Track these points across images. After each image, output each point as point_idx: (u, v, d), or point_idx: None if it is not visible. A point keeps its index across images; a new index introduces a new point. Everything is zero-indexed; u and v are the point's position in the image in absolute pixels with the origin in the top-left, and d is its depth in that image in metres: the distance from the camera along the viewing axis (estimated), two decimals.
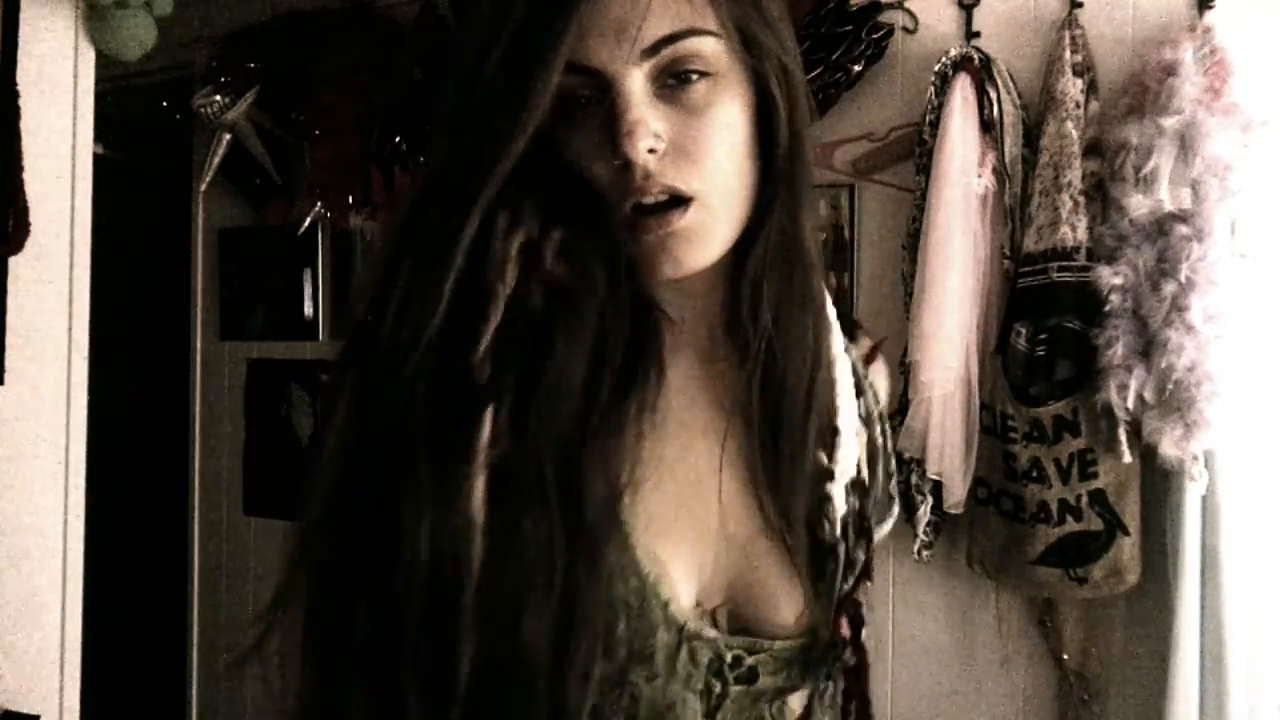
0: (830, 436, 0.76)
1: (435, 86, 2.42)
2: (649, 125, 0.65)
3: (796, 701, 0.76)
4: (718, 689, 0.72)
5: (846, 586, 0.76)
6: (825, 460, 0.76)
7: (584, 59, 0.64)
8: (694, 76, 0.67)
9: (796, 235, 0.72)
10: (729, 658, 0.73)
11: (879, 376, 0.89)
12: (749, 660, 0.73)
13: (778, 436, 0.74)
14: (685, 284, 0.70)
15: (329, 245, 2.91)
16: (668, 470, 0.71)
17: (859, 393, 0.82)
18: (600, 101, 0.65)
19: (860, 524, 0.78)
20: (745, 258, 0.72)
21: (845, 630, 0.75)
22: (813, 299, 0.75)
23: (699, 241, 0.68)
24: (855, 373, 0.82)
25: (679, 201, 0.66)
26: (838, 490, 0.76)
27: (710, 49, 0.67)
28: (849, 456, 0.77)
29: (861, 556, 0.77)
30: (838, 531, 0.76)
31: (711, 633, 0.72)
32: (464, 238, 0.61)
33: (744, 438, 0.75)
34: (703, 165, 0.67)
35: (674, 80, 0.66)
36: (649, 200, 0.66)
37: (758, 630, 0.74)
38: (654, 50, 0.65)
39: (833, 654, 0.75)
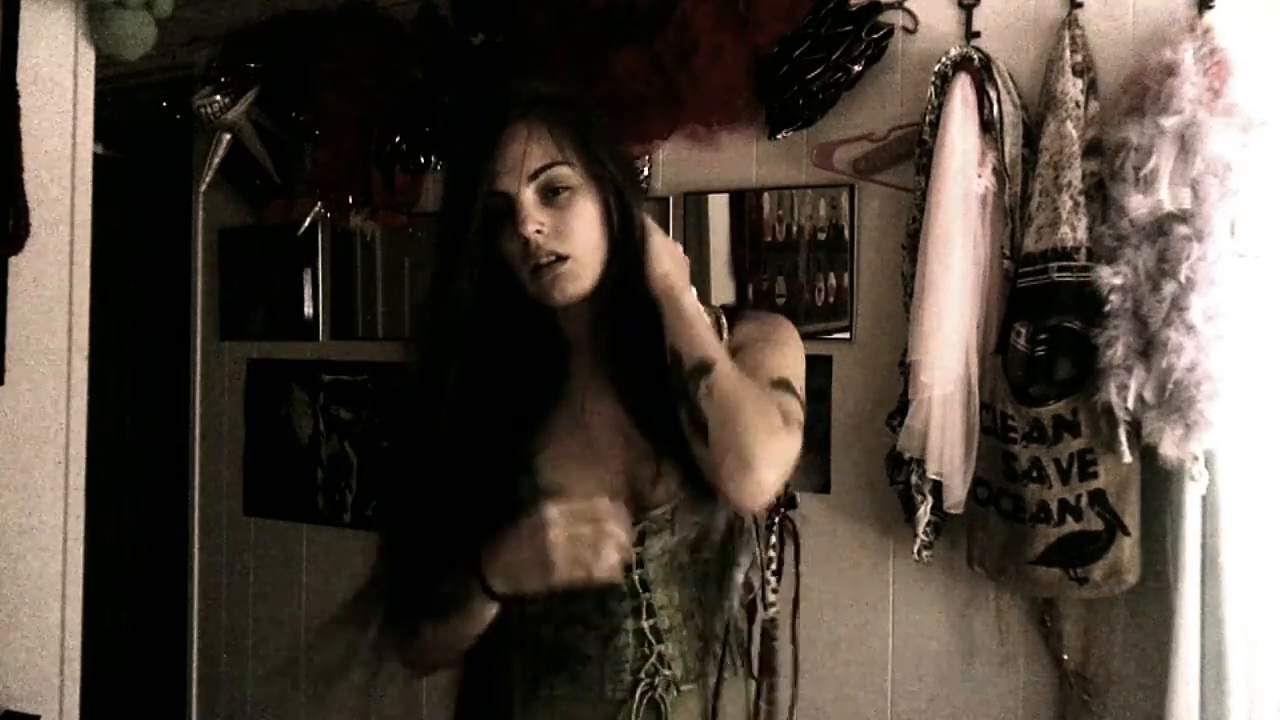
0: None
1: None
2: (535, 216, 1.14)
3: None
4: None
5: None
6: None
7: (499, 188, 1.14)
8: (562, 190, 1.15)
9: (631, 278, 1.17)
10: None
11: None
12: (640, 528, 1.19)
13: (638, 393, 1.20)
14: (574, 314, 1.21)
15: (329, 245, 2.91)
16: (576, 432, 1.21)
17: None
18: (511, 212, 1.14)
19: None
20: (601, 291, 1.19)
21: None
22: (646, 310, 1.17)
23: (574, 280, 1.16)
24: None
25: (560, 259, 1.15)
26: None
27: (569, 173, 1.16)
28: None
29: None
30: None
31: None
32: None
33: (614, 402, 1.22)
34: (571, 238, 1.15)
35: (551, 194, 1.15)
36: (543, 261, 1.14)
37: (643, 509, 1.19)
38: (535, 176, 1.14)
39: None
